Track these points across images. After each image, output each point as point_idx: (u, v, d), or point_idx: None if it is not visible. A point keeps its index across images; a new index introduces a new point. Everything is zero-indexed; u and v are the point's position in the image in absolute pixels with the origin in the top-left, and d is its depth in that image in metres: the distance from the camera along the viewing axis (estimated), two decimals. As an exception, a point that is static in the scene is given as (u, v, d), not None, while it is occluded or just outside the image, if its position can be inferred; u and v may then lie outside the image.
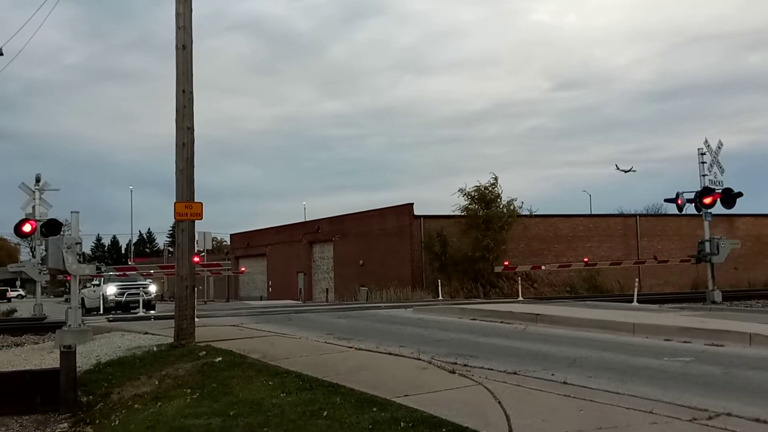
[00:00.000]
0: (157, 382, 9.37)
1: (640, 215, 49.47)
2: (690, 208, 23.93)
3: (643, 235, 43.05)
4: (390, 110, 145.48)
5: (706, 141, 23.36)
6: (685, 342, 11.29)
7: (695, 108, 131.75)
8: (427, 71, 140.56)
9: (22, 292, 66.30)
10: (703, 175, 23.08)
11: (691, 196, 23.23)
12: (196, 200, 12.66)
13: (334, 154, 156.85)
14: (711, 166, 23.22)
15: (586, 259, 36.55)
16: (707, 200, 22.81)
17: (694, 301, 24.18)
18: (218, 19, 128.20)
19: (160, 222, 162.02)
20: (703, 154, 23.18)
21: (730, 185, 23.35)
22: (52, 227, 21.40)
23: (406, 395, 6.94)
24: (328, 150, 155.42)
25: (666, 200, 25.32)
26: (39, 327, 18.60)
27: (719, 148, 23.61)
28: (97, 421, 8.52)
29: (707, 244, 23.09)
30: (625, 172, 65.72)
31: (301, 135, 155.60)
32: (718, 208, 23.58)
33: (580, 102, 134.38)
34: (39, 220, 24.16)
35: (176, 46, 12.70)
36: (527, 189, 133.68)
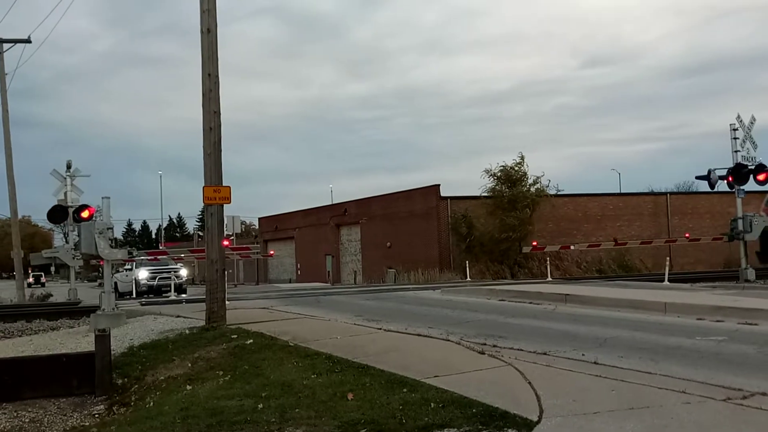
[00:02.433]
0: (189, 365, 9.52)
1: (671, 193, 48.65)
2: (722, 185, 23.54)
3: (673, 214, 42.43)
4: (415, 91, 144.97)
5: (738, 116, 22.90)
6: (717, 321, 11.15)
7: (727, 83, 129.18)
8: (451, 51, 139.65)
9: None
10: (736, 151, 22.66)
11: (723, 172, 22.84)
12: (224, 184, 12.78)
13: (360, 136, 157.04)
14: (744, 141, 22.78)
15: (615, 239, 36.14)
16: (761, 177, 22.31)
17: (727, 279, 23.84)
18: (242, 2, 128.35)
19: (189, 206, 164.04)
20: (735, 129, 22.73)
21: (763, 161, 22.90)
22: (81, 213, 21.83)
23: (435, 376, 6.96)
24: (353, 132, 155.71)
25: (697, 177, 24.90)
26: (74, 311, 18.95)
27: (752, 123, 23.13)
28: (132, 403, 8.69)
29: (740, 222, 22.74)
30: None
31: (326, 117, 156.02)
32: (751, 185, 23.16)
33: (607, 79, 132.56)
34: (71, 206, 24.52)
35: (201, 30, 12.79)
36: (555, 168, 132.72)
